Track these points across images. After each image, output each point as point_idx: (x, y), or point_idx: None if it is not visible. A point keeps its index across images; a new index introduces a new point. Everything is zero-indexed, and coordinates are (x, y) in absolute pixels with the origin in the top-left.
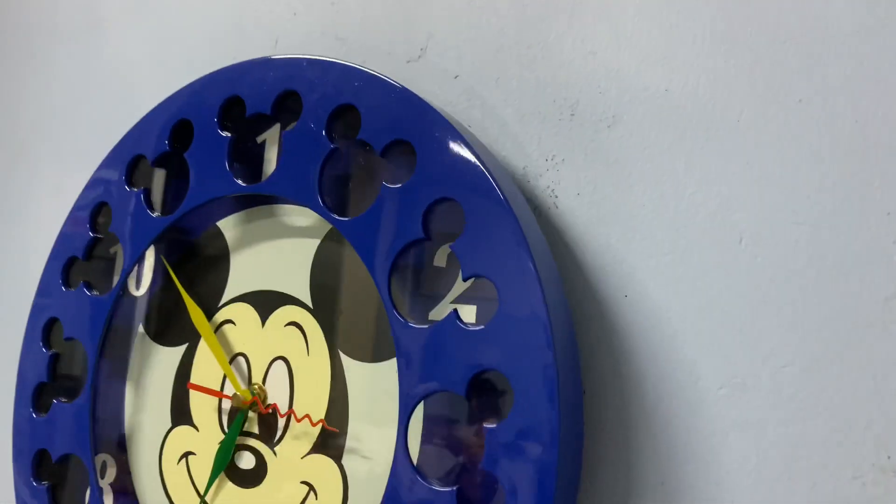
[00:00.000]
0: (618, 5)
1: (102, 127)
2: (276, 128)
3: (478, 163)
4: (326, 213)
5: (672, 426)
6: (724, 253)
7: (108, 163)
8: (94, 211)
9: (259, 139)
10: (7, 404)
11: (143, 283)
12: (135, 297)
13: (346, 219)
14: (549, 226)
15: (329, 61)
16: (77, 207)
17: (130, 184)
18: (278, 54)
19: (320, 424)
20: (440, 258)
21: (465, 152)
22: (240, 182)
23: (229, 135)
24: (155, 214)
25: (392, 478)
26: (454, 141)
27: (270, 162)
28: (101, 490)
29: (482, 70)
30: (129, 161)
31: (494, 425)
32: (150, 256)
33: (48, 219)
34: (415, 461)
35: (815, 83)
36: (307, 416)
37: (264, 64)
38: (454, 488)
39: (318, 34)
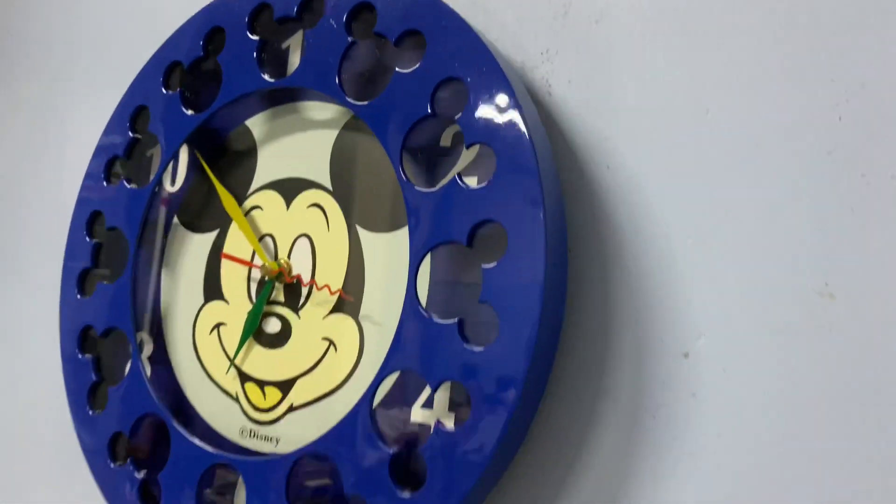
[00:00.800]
0: None
1: (131, 49)
2: (300, 34)
3: (481, 47)
4: (345, 98)
5: (646, 275)
6: (693, 124)
7: (146, 71)
8: (133, 113)
9: (283, 45)
10: (54, 291)
11: (177, 180)
12: (170, 192)
13: (363, 103)
14: (543, 111)
15: None
16: (118, 111)
17: (167, 87)
18: None
19: (339, 293)
20: (446, 139)
21: (470, 38)
22: (267, 78)
23: (258, 38)
24: (189, 113)
25: (402, 316)
26: (461, 29)
27: (293, 64)
28: (140, 362)
29: None
30: (166, 67)
31: (492, 265)
32: (183, 157)
33: (85, 134)
34: (423, 304)
35: None
36: (327, 285)
37: None
38: (456, 320)
39: None
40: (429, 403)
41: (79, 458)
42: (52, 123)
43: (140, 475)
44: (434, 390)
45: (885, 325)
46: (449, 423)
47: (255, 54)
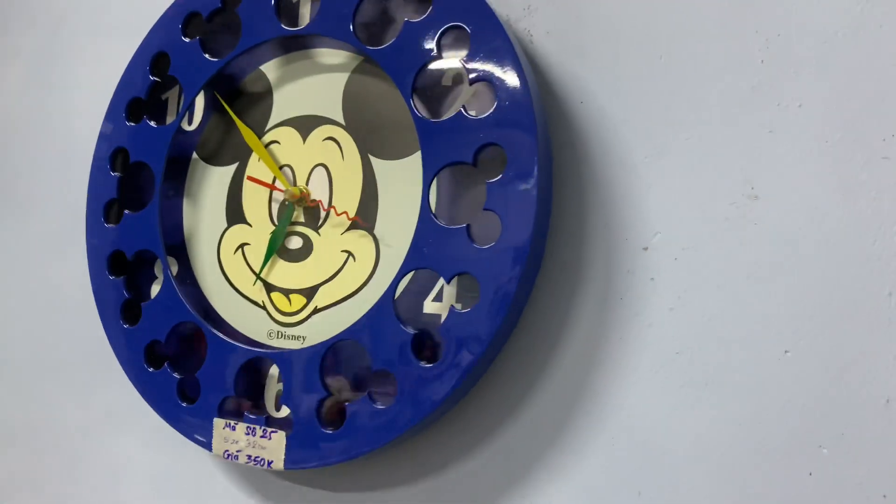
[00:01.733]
0: None
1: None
2: None
3: (479, 1)
4: (360, 44)
5: (613, 185)
6: (649, 67)
7: (163, 22)
8: (153, 59)
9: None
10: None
11: (194, 120)
12: (187, 131)
13: (378, 48)
14: (527, 57)
15: None
16: (137, 56)
17: (186, 35)
18: None
19: (356, 219)
20: (447, 79)
21: None
22: (285, 26)
23: None
24: (209, 58)
25: (419, 225)
26: None
27: (304, 15)
28: (172, 278)
29: None
30: (185, 16)
31: (495, 179)
32: (199, 99)
33: (94, 82)
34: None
35: None
36: (345, 211)
37: None
38: (465, 225)
39: None
40: (438, 297)
41: (110, 369)
42: (55, 68)
43: (177, 376)
44: (448, 282)
45: (797, 219)
46: (459, 308)
47: (273, 6)
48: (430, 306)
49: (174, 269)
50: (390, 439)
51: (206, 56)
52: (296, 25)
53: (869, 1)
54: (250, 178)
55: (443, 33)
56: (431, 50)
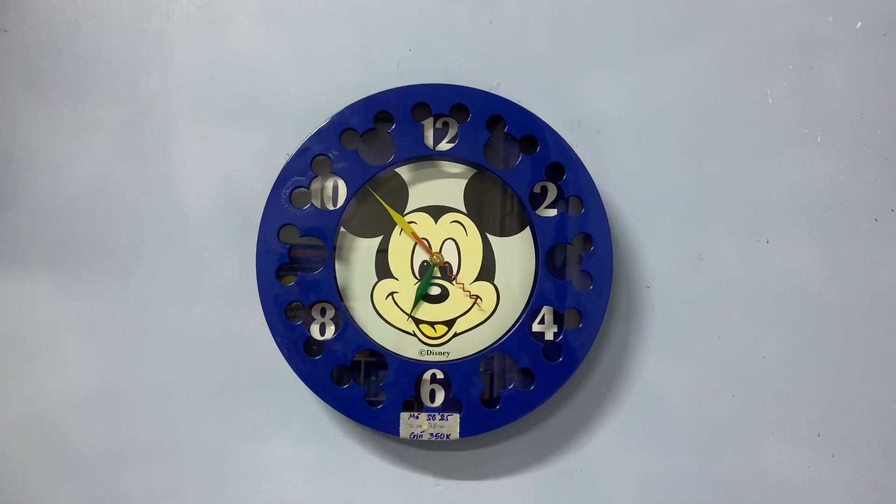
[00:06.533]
0: None
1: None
2: (430, 119)
3: (570, 150)
4: (487, 165)
5: (644, 253)
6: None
7: (318, 135)
8: (313, 159)
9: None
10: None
11: (337, 202)
12: (331, 210)
13: (503, 169)
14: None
15: (484, 91)
16: (298, 156)
17: (343, 145)
18: (452, 82)
19: (475, 298)
20: (536, 188)
21: (563, 144)
22: (430, 147)
23: (421, 123)
24: (370, 163)
25: (539, 278)
26: (559, 139)
27: (429, 139)
28: (350, 318)
29: None
30: (341, 131)
31: (588, 251)
32: (342, 186)
33: (198, 162)
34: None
35: None
36: (468, 291)
37: (444, 87)
38: (569, 279)
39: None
40: (541, 321)
41: (288, 393)
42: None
43: (363, 390)
44: (562, 312)
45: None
46: (564, 327)
47: (419, 132)
48: (536, 327)
49: (331, 312)
50: (534, 408)
51: (365, 162)
52: (427, 145)
53: None
54: (415, 238)
55: (549, 165)
56: (541, 174)
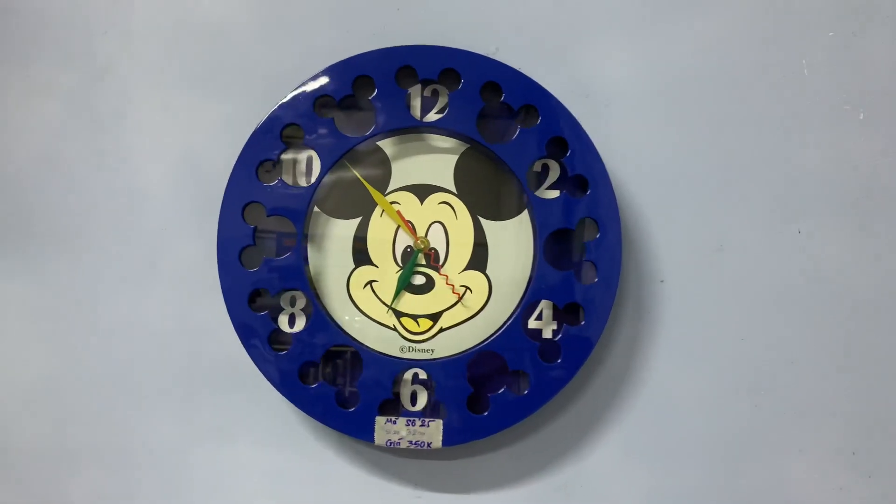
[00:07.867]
0: None
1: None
2: (418, 85)
3: (573, 120)
4: (482, 139)
5: (657, 245)
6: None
7: (293, 101)
8: (283, 129)
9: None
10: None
11: (311, 178)
12: (303, 187)
13: (500, 144)
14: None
15: (478, 54)
16: (267, 124)
17: (317, 114)
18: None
19: (457, 294)
20: (537, 166)
21: (568, 117)
22: (416, 118)
23: (406, 90)
24: (348, 134)
25: (537, 269)
26: (562, 109)
27: (416, 108)
28: (322, 309)
29: None
30: (314, 98)
31: (594, 239)
32: (316, 161)
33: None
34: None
35: None
36: (452, 284)
37: (432, 48)
38: (573, 270)
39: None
40: (539, 317)
41: (248, 386)
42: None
43: (335, 389)
44: (561, 308)
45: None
46: (564, 325)
47: (403, 99)
48: (532, 323)
49: (301, 302)
50: (528, 415)
51: (343, 133)
52: (412, 115)
53: None
54: (402, 224)
55: (550, 140)
56: (542, 150)
